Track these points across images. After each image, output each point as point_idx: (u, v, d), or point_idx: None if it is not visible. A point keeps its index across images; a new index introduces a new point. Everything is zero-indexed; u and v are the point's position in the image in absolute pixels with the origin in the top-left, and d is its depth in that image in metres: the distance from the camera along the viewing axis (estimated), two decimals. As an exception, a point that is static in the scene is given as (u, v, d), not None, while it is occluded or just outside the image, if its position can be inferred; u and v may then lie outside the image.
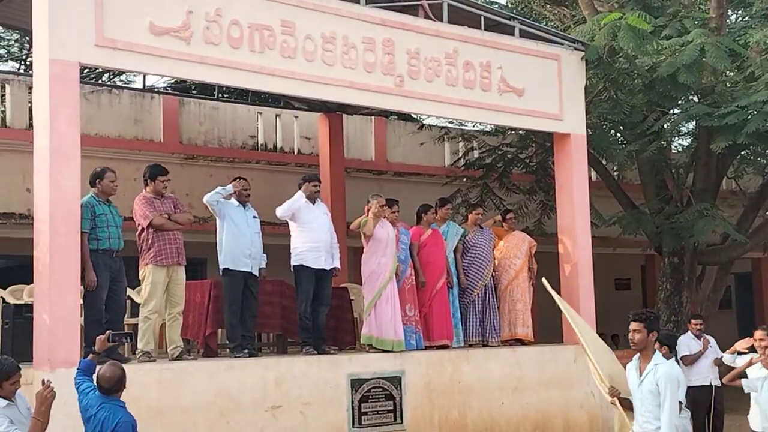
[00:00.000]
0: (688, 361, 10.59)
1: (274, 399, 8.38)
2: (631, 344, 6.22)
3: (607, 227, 14.72)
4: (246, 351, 8.80)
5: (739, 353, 8.94)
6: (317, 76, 9.01)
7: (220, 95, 13.85)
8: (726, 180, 16.50)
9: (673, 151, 17.19)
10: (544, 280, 7.54)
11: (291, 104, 13.57)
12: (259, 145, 14.95)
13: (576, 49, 10.97)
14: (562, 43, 10.90)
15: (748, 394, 7.94)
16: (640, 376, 6.18)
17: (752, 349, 8.41)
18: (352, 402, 8.89)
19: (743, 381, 7.77)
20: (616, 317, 16.92)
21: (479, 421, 9.71)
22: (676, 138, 16.33)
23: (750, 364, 7.94)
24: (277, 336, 10.18)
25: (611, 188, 15.33)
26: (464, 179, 15.64)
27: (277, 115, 14.98)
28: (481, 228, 11.04)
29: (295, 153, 15.17)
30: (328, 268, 9.36)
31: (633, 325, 6.18)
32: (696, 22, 12.91)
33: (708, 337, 10.57)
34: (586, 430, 10.19)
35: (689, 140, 16.74)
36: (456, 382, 9.69)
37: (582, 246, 10.89)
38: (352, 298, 10.60)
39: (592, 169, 14.68)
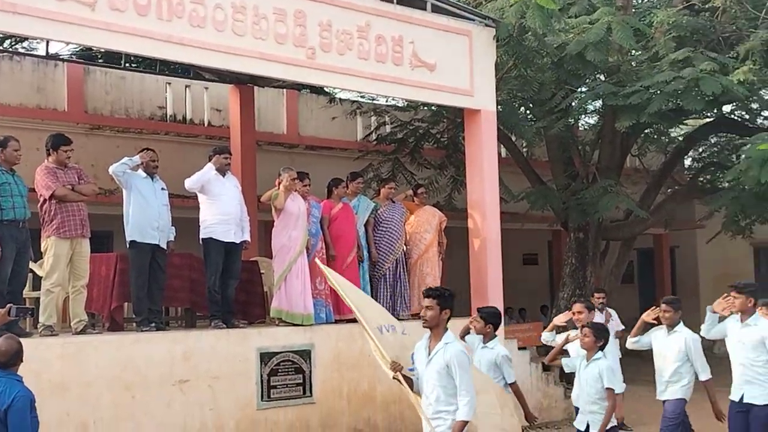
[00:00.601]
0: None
1: (181, 373, 8.29)
2: (423, 321, 5.83)
3: (515, 203, 14.97)
4: (153, 325, 8.69)
5: (558, 330, 8.78)
6: (227, 46, 8.86)
7: (127, 64, 13.47)
8: (630, 158, 16.95)
9: (580, 128, 17.55)
10: (316, 259, 7.30)
11: (201, 75, 13.32)
12: (168, 117, 14.67)
13: (487, 25, 11.05)
14: (473, 20, 10.97)
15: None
16: (429, 354, 5.78)
17: (573, 324, 8.45)
18: (261, 376, 8.86)
19: (563, 360, 7.63)
20: (523, 292, 17.35)
21: (388, 393, 9.79)
22: (583, 116, 16.66)
23: (567, 341, 7.79)
24: (185, 310, 10.06)
25: (520, 164, 15.59)
26: (376, 153, 15.67)
27: (186, 86, 14.71)
28: (393, 202, 11.11)
29: (206, 125, 14.95)
30: (237, 242, 9.28)
31: (426, 301, 5.79)
32: (604, 1, 13.15)
33: (610, 310, 10.86)
34: (492, 401, 10.39)
35: (596, 118, 17.10)
36: (365, 355, 9.71)
37: (491, 221, 11.04)
38: (262, 271, 10.53)
39: (501, 145, 14.90)
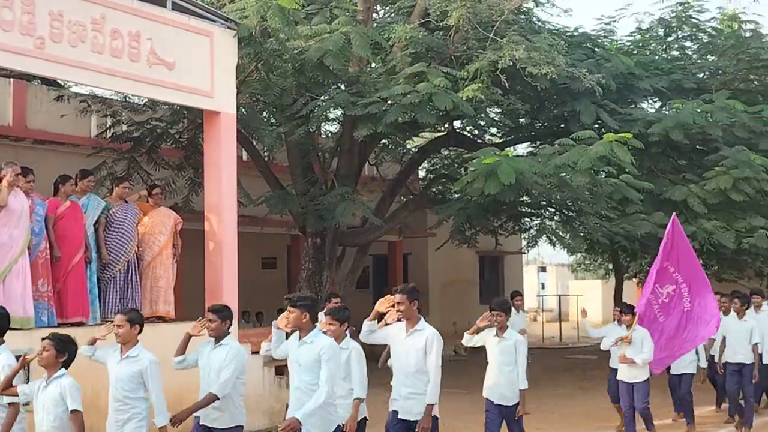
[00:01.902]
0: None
1: None
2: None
3: (255, 206, 14.97)
4: None
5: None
6: (-57, 29, 8.20)
7: None
8: (367, 166, 17.48)
9: (321, 135, 17.87)
10: None
11: None
12: None
13: (229, 27, 10.98)
14: (215, 20, 10.86)
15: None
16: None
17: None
18: (-33, 385, 8.22)
19: (19, 388, 6.25)
20: (261, 295, 17.38)
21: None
22: (324, 123, 17.00)
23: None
24: None
25: (261, 168, 15.61)
26: (111, 151, 15.08)
27: None
28: (126, 202, 10.75)
29: None
30: (-53, 240, 8.60)
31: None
32: (346, 14, 13.50)
33: (343, 314, 11.08)
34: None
35: (336, 126, 17.50)
36: (90, 359, 9.31)
37: (228, 224, 10.95)
38: (-22, 272, 9.80)
39: (242, 149, 14.84)
